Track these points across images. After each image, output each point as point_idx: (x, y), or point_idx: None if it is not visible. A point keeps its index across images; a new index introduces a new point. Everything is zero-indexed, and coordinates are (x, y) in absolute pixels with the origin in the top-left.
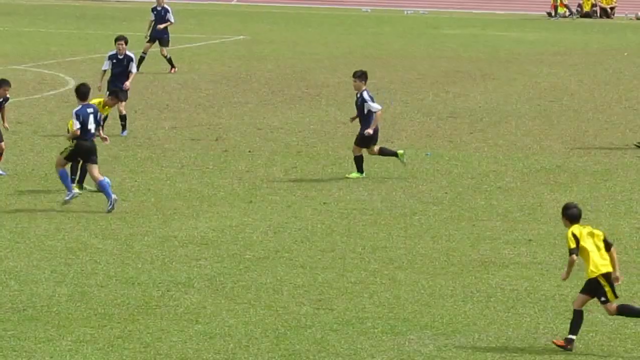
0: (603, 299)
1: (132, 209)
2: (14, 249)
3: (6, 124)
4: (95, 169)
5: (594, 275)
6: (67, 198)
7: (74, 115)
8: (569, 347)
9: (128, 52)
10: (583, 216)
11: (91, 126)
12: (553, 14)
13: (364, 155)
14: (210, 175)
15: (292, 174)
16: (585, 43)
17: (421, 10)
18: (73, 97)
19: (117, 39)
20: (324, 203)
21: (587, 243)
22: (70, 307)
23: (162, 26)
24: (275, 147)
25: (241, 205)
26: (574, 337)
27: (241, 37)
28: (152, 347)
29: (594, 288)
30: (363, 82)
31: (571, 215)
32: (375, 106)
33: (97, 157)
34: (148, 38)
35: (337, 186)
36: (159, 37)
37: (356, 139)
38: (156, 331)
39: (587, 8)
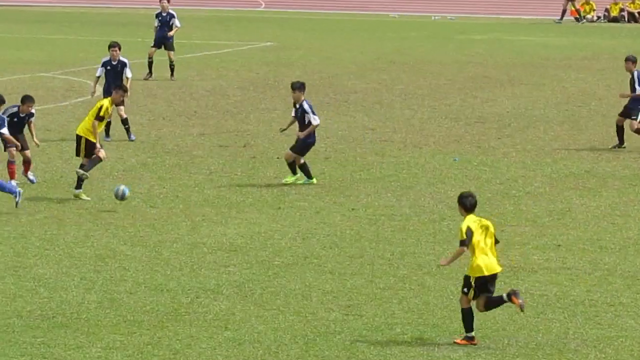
0: (465, 290)
1: (161, 216)
2: (43, 256)
3: (36, 140)
4: None
5: (478, 275)
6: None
7: None
8: (473, 342)
9: (122, 58)
10: (611, 221)
11: None
12: (580, 19)
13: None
14: (239, 181)
15: (320, 180)
16: (613, 48)
17: (448, 16)
18: None
19: (110, 45)
20: (352, 209)
21: (480, 238)
22: (100, 314)
23: (172, 33)
24: None
25: (269, 211)
26: (472, 333)
27: (269, 43)
28: (182, 354)
29: (481, 284)
30: (302, 92)
31: (467, 204)
32: (316, 119)
33: None
34: (153, 44)
35: (365, 192)
36: (164, 42)
37: (294, 146)
38: (185, 338)
39: (614, 13)
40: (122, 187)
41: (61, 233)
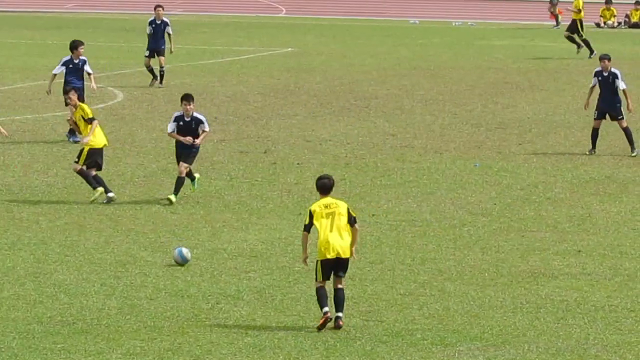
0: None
1: (181, 222)
2: (63, 262)
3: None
4: None
5: (321, 258)
6: None
7: None
8: (328, 321)
9: (82, 57)
10: (632, 226)
11: None
12: (601, 24)
13: None
14: (259, 187)
15: (341, 186)
16: (634, 53)
17: (469, 22)
18: (122, 110)
19: (75, 46)
20: (373, 215)
21: (321, 223)
22: (120, 320)
23: (173, 49)
24: (324, 159)
25: (290, 217)
26: (326, 308)
27: (289, 49)
28: None
29: (327, 267)
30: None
31: (318, 185)
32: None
33: None
34: (147, 53)
35: (386, 198)
36: (157, 49)
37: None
38: (206, 344)
39: (635, 18)
40: (180, 250)
41: (81, 239)
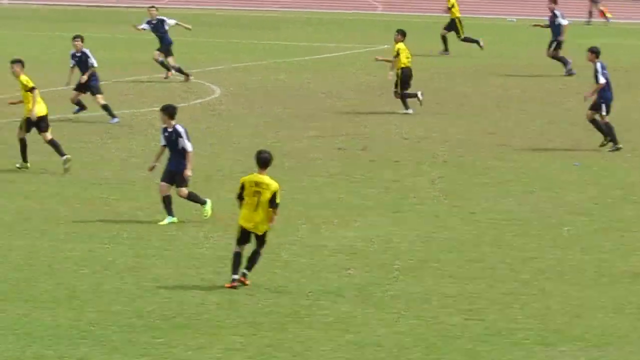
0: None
1: (280, 218)
2: (162, 256)
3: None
4: None
5: (239, 224)
6: None
7: None
8: (234, 284)
9: (84, 49)
10: None
11: None
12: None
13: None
14: (358, 184)
15: (439, 184)
16: None
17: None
18: (219, 106)
19: (74, 37)
20: (472, 213)
21: (246, 200)
22: (220, 315)
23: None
24: (422, 156)
25: (389, 214)
26: (235, 276)
27: (386, 46)
28: (302, 356)
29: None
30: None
31: (260, 159)
32: (189, 145)
33: None
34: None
35: (485, 196)
36: (166, 46)
37: (181, 180)
38: (306, 340)
39: None
40: None
41: (180, 234)
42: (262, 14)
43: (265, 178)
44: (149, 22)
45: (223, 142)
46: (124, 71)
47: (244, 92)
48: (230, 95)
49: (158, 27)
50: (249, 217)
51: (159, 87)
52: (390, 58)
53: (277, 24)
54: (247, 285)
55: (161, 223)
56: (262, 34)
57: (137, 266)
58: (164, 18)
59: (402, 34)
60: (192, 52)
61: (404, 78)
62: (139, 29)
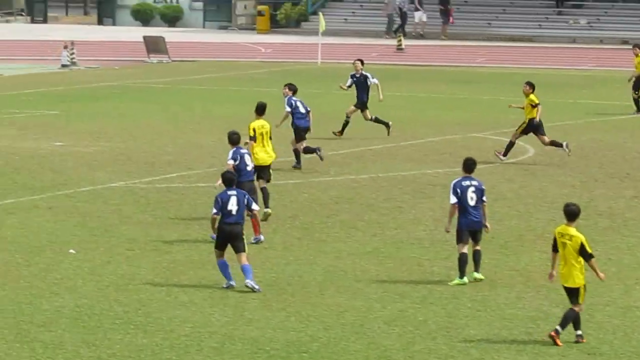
0: None
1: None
2: (475, 317)
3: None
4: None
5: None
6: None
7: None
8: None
9: (364, 72)
10: None
11: (232, 207)
12: None
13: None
14: None
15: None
16: None
17: None
18: (533, 165)
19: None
20: None
21: (559, 247)
22: None
23: (381, 98)
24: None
25: None
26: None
27: None
28: None
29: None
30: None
31: (566, 212)
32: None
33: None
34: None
35: None
36: (365, 103)
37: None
38: None
39: None
40: None
41: (492, 294)
42: (577, 72)
43: (571, 230)
44: (352, 76)
45: (537, 201)
46: (437, 130)
47: (559, 151)
48: (545, 155)
49: (362, 82)
50: (561, 269)
51: (472, 146)
52: None
53: (591, 83)
54: (559, 345)
55: (450, 283)
56: (577, 92)
57: (449, 326)
58: (368, 75)
59: None
60: (504, 111)
61: None
62: (347, 86)
